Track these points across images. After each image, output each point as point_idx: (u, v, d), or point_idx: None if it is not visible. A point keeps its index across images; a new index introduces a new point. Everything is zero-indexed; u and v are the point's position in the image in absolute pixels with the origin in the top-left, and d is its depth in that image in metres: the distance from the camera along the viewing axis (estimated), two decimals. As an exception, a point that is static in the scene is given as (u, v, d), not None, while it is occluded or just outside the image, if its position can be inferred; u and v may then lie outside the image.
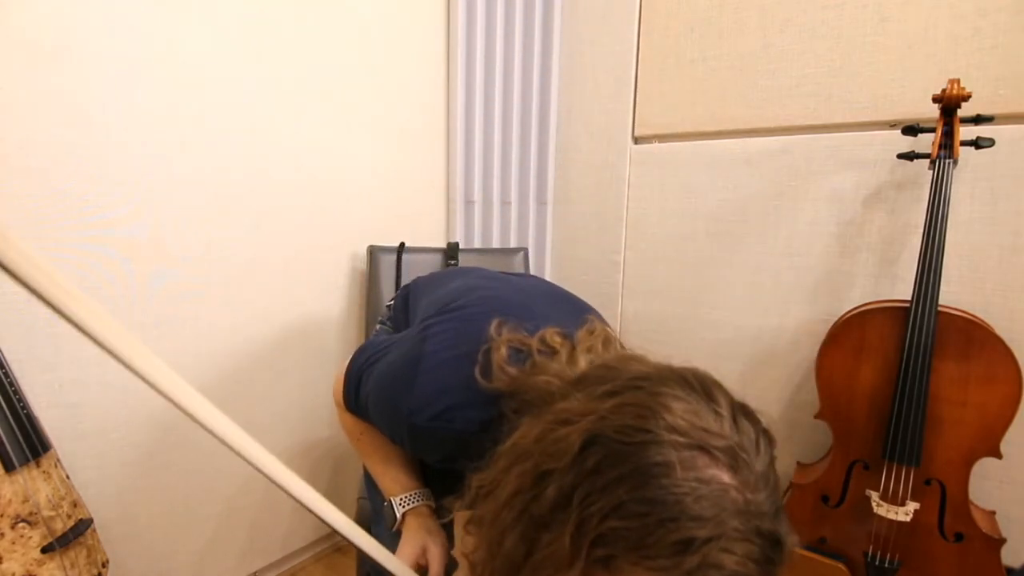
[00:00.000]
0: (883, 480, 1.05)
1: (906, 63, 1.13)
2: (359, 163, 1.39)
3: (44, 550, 0.81)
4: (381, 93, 1.42)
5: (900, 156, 1.11)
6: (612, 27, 1.51)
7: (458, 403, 0.61)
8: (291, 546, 1.42)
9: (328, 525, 0.54)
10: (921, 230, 1.04)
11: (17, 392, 0.82)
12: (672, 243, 1.48)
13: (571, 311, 0.72)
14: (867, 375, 1.07)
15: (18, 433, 0.81)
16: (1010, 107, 1.04)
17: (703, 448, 0.40)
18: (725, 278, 1.41)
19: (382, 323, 1.03)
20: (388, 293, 1.34)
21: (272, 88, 1.20)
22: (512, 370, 0.58)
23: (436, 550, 0.71)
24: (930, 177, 1.03)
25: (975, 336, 0.99)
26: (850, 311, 1.13)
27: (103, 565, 0.92)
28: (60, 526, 0.84)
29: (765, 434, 0.45)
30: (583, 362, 0.57)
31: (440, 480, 0.80)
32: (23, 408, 0.83)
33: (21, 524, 0.80)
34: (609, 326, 0.67)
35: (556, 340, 0.60)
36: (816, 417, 1.14)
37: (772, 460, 0.44)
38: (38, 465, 0.83)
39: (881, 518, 1.05)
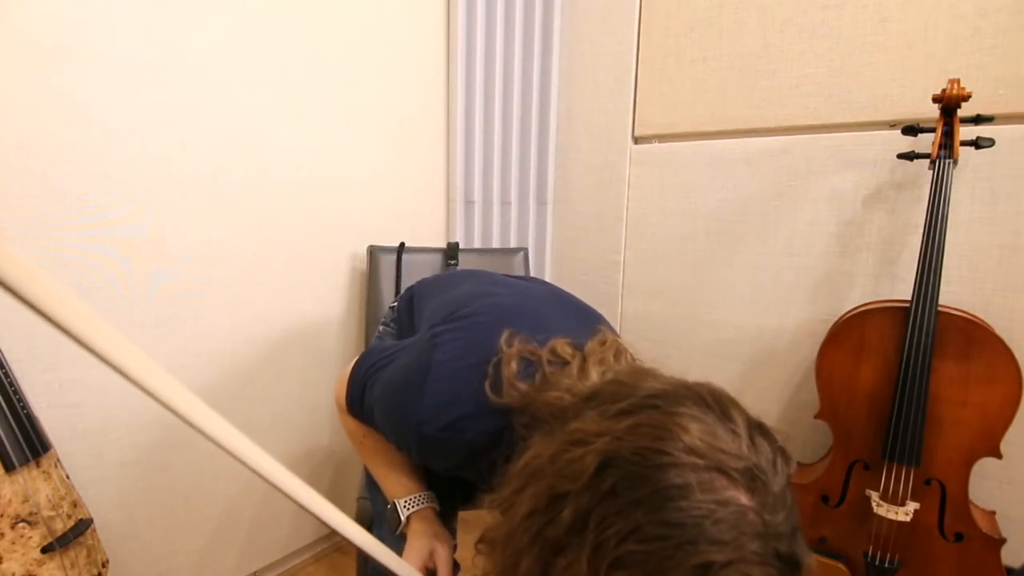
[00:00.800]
0: (883, 480, 1.05)
1: (906, 63, 1.13)
2: (359, 163, 1.39)
3: (44, 550, 0.81)
4: (381, 93, 1.42)
5: (900, 156, 1.11)
6: (612, 27, 1.51)
7: (468, 414, 0.60)
8: (291, 546, 1.42)
9: (333, 529, 0.54)
10: (921, 230, 1.04)
11: (17, 392, 0.82)
12: (672, 243, 1.48)
13: (581, 319, 0.72)
14: (867, 375, 1.07)
15: (18, 433, 0.81)
16: (1010, 107, 1.04)
17: (721, 470, 0.39)
18: (725, 278, 1.41)
19: (385, 324, 1.03)
20: (388, 293, 1.34)
21: (272, 88, 1.20)
22: (523, 386, 0.57)
23: (443, 552, 0.70)
24: (930, 177, 1.03)
25: (975, 336, 0.99)
26: (850, 311, 1.13)
27: (103, 565, 0.92)
28: (60, 526, 0.84)
29: (782, 453, 0.44)
30: (595, 375, 0.57)
31: (446, 486, 0.80)
32: (23, 408, 0.83)
33: (21, 524, 0.79)
34: (618, 336, 0.66)
35: (567, 351, 0.59)
36: (816, 417, 1.14)
37: (789, 479, 0.43)
38: (38, 465, 0.83)
39: (881, 518, 1.05)
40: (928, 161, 1.04)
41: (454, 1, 1.49)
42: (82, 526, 0.87)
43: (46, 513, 0.82)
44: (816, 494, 1.13)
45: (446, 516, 0.81)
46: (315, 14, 1.25)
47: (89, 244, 0.98)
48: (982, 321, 1.02)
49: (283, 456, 1.35)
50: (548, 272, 1.64)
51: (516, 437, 0.53)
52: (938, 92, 1.02)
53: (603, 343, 0.62)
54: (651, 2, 1.44)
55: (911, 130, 1.08)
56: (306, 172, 1.28)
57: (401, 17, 1.43)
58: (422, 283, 0.99)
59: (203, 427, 0.47)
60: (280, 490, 0.51)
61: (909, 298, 1.03)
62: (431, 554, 0.70)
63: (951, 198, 1.07)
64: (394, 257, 1.37)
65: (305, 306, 1.33)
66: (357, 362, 0.76)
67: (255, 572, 1.35)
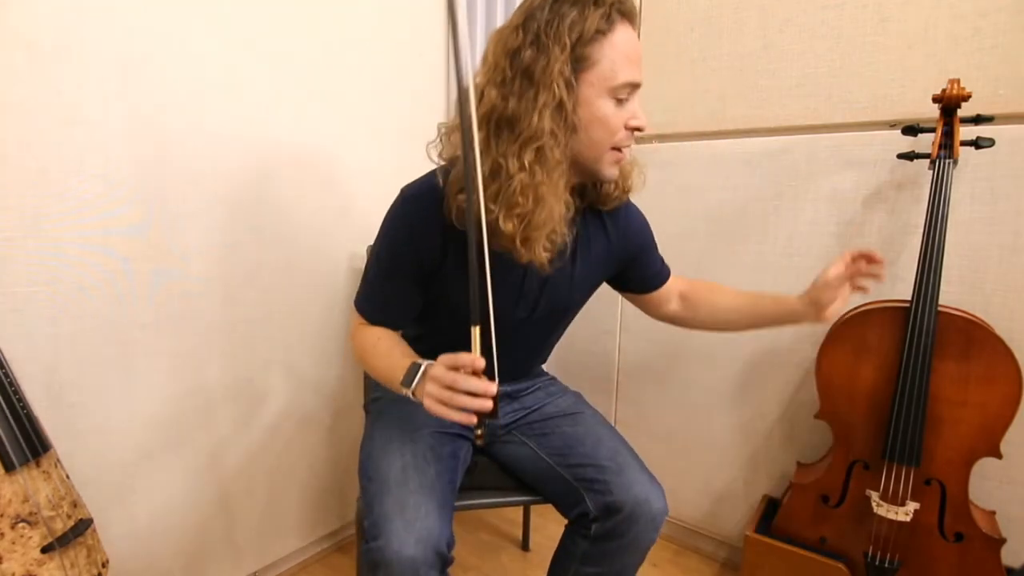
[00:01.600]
0: (883, 480, 1.05)
1: (906, 63, 1.13)
2: (359, 163, 1.39)
3: (44, 550, 0.81)
4: (382, 93, 1.42)
5: (900, 156, 1.11)
6: (612, 27, 1.50)
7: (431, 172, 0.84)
8: (291, 546, 1.42)
9: None
10: (921, 230, 1.04)
11: (17, 392, 0.82)
12: (672, 243, 1.48)
13: None
14: (867, 375, 1.07)
15: (18, 433, 0.81)
16: (1010, 107, 1.04)
17: None
18: (725, 278, 1.40)
19: None
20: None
21: (272, 88, 1.20)
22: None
23: (452, 357, 0.69)
24: (930, 177, 1.03)
25: (975, 336, 0.99)
26: (850, 311, 1.13)
27: (103, 565, 0.92)
28: (60, 526, 0.84)
29: None
30: None
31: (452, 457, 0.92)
32: (23, 408, 0.82)
33: (21, 524, 0.79)
34: None
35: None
36: (816, 417, 1.14)
37: None
38: (38, 465, 0.83)
39: (881, 518, 1.05)
40: (928, 161, 1.04)
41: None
42: (82, 526, 0.87)
43: (46, 513, 0.82)
44: (816, 494, 1.13)
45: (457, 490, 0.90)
46: (315, 15, 1.25)
47: (89, 244, 0.98)
48: (982, 321, 1.02)
49: (282, 456, 1.35)
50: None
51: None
52: (938, 92, 1.02)
53: None
54: (651, 2, 1.44)
55: (911, 130, 1.08)
56: (306, 172, 1.28)
57: (402, 18, 1.43)
58: None
59: None
60: None
61: (909, 298, 1.03)
62: (446, 369, 0.69)
63: (951, 198, 1.07)
64: (394, 257, 1.37)
65: (304, 306, 1.33)
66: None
67: (255, 572, 1.35)
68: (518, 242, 0.76)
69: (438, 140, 0.85)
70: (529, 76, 0.72)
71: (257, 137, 1.19)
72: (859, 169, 1.20)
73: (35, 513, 0.81)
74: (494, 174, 0.74)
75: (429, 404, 0.69)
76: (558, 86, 0.71)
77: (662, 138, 1.47)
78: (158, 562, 1.16)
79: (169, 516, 1.17)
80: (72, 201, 0.95)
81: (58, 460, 0.87)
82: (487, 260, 0.63)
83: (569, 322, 1.05)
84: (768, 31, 1.27)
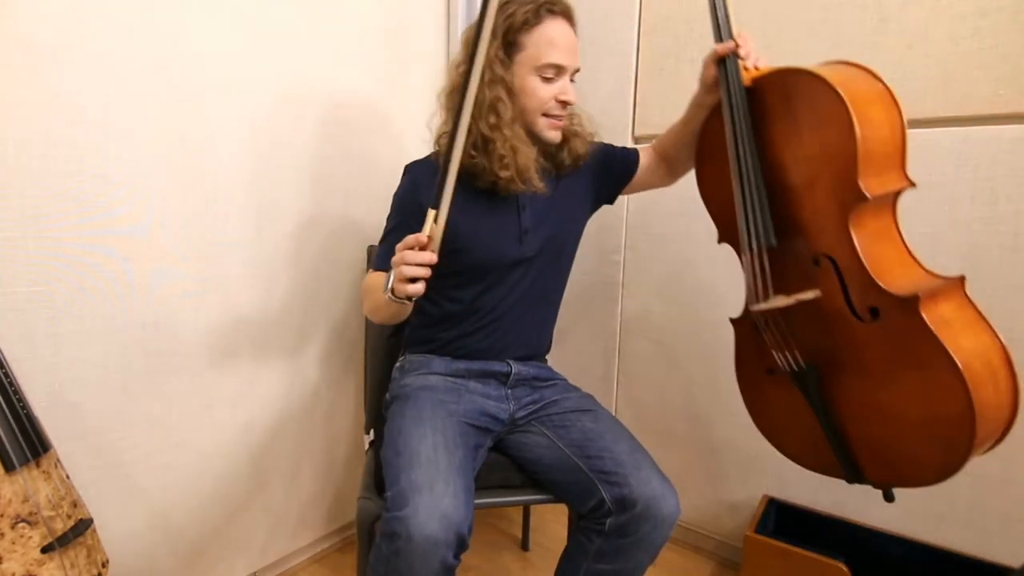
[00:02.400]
0: (757, 273, 0.94)
1: (906, 63, 1.13)
2: (360, 163, 1.39)
3: (44, 550, 0.81)
4: (382, 93, 1.42)
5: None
6: (612, 27, 1.51)
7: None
8: (291, 546, 1.42)
9: None
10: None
11: (17, 392, 0.82)
12: (672, 243, 1.48)
13: None
14: (725, 175, 0.96)
15: (18, 433, 0.81)
16: (1010, 107, 1.04)
17: None
18: (725, 278, 1.40)
19: None
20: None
21: (273, 88, 1.20)
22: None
23: (409, 238, 0.80)
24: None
25: (789, 86, 0.88)
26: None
27: (103, 565, 0.92)
28: (60, 526, 0.84)
29: None
30: None
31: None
32: (23, 408, 0.82)
33: (21, 524, 0.79)
34: None
35: None
36: (719, 242, 1.08)
37: None
38: (38, 465, 0.83)
39: (791, 317, 0.92)
40: None
41: (454, 1, 1.49)
42: (82, 526, 0.87)
43: (46, 513, 0.82)
44: (744, 327, 1.03)
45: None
46: (316, 16, 1.25)
47: (89, 244, 0.98)
48: (791, 68, 0.89)
49: (283, 456, 1.35)
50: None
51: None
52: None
53: None
54: (651, 2, 1.44)
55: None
56: (306, 172, 1.28)
57: (402, 18, 1.43)
58: None
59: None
60: None
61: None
62: (399, 251, 0.80)
63: (951, 198, 1.07)
64: (394, 257, 1.38)
65: (304, 306, 1.33)
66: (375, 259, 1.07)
67: (255, 572, 1.35)
68: (519, 182, 0.97)
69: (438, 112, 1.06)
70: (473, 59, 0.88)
71: (258, 137, 1.19)
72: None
73: (35, 513, 0.81)
74: (483, 144, 0.97)
75: (395, 286, 0.80)
76: (494, 66, 0.95)
77: (662, 138, 1.47)
78: (158, 562, 1.16)
79: (169, 516, 1.17)
80: (72, 201, 0.95)
81: (58, 460, 0.87)
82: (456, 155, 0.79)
83: (566, 270, 1.15)
84: (768, 31, 1.27)
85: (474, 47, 0.78)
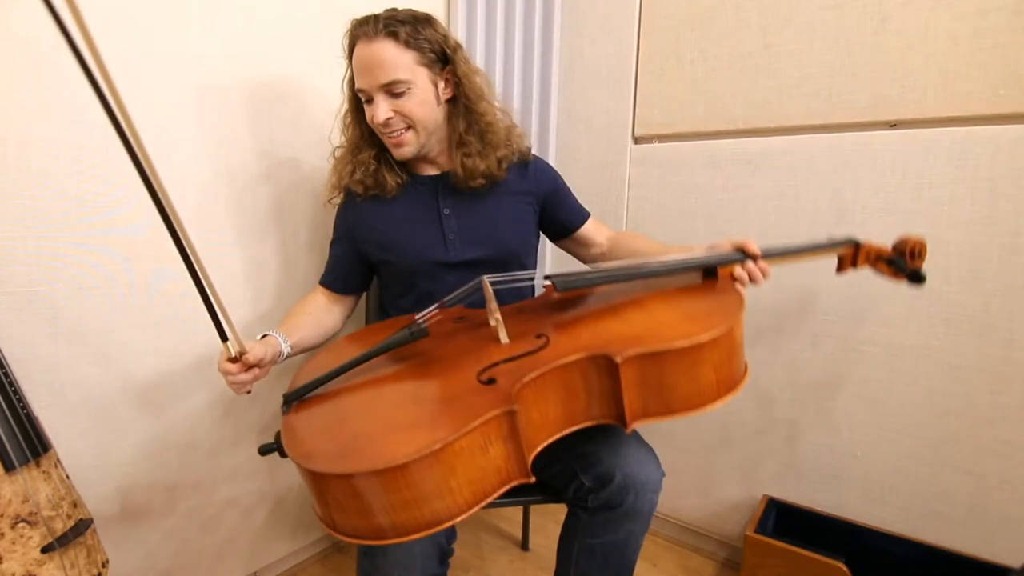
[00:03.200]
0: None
1: (906, 63, 1.13)
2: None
3: (44, 550, 0.81)
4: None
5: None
6: (612, 27, 1.51)
7: None
8: (291, 546, 1.42)
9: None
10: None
11: (17, 392, 0.82)
12: (672, 243, 1.48)
13: None
14: None
15: (18, 433, 0.81)
16: (1010, 107, 1.04)
17: None
18: (725, 278, 1.40)
19: None
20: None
21: (272, 88, 1.20)
22: None
23: (258, 349, 0.85)
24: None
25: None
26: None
27: (103, 565, 0.92)
28: (60, 526, 0.84)
29: None
30: None
31: None
32: (23, 408, 0.82)
33: (21, 524, 0.79)
34: None
35: None
36: None
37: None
38: (38, 465, 0.83)
39: None
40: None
41: (454, 1, 1.49)
42: (82, 526, 0.87)
43: (46, 513, 0.82)
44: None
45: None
46: (314, 16, 1.25)
47: (89, 244, 0.98)
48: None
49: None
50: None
51: None
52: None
53: None
54: (651, 2, 1.44)
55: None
56: (306, 173, 1.28)
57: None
58: None
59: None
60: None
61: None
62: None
63: (950, 198, 1.07)
64: (394, 257, 1.38)
65: (305, 306, 1.33)
66: None
67: (255, 572, 1.35)
68: (375, 189, 1.06)
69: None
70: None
71: (258, 137, 1.19)
72: (859, 169, 1.20)
73: (35, 513, 0.81)
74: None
75: (232, 389, 0.87)
76: (349, 89, 1.03)
77: (662, 138, 1.47)
78: (158, 562, 1.16)
79: (169, 516, 1.17)
80: (72, 201, 0.95)
81: (58, 460, 0.87)
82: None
83: (531, 271, 1.11)
84: (768, 31, 1.27)
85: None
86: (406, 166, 1.08)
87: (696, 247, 0.96)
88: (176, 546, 1.19)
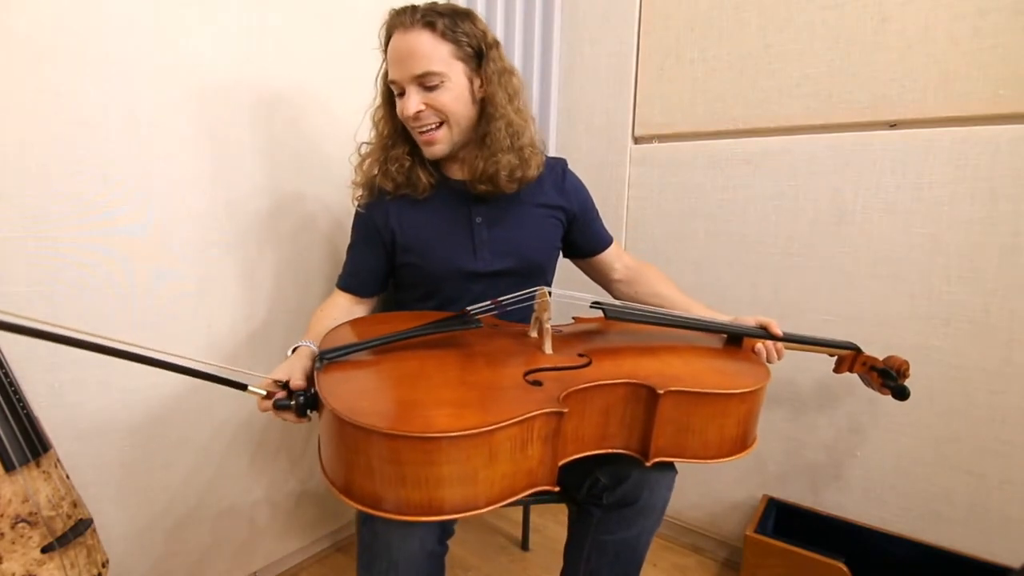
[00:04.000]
0: None
1: (906, 63, 1.13)
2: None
3: (44, 550, 0.81)
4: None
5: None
6: (612, 27, 1.51)
7: None
8: (291, 546, 1.42)
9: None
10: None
11: (17, 392, 0.82)
12: (672, 243, 1.48)
13: None
14: None
15: (18, 433, 0.81)
16: (1010, 107, 1.04)
17: None
18: (725, 278, 1.41)
19: None
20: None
21: (272, 89, 1.20)
22: None
23: (298, 372, 0.79)
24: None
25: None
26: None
27: (103, 565, 0.92)
28: (60, 526, 0.84)
29: None
30: None
31: None
32: (23, 408, 0.82)
33: (21, 524, 0.79)
34: None
35: None
36: None
37: None
38: (38, 465, 0.83)
39: None
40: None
41: (454, 1, 1.49)
42: (82, 526, 0.87)
43: (46, 513, 0.82)
44: None
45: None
46: (314, 19, 1.25)
47: (89, 244, 0.98)
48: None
49: (283, 455, 1.35)
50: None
51: None
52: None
53: None
54: (651, 2, 1.44)
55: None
56: (306, 173, 1.28)
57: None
58: None
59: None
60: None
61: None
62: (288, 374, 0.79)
63: (950, 198, 1.07)
64: (394, 257, 1.38)
65: (305, 307, 1.33)
66: None
67: (255, 572, 1.35)
68: (405, 188, 1.02)
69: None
70: None
71: (257, 137, 1.19)
72: (859, 169, 1.20)
73: (35, 513, 0.81)
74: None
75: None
76: (383, 83, 1.00)
77: (662, 138, 1.47)
78: (158, 562, 1.16)
79: (169, 516, 1.17)
80: (72, 201, 0.95)
81: (58, 460, 0.87)
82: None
83: (547, 284, 1.10)
84: (768, 31, 1.27)
85: None
86: (437, 165, 1.04)
87: (719, 314, 1.03)
88: (176, 546, 1.18)
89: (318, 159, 1.30)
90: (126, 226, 1.02)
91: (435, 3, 0.94)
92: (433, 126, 0.95)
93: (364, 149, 1.06)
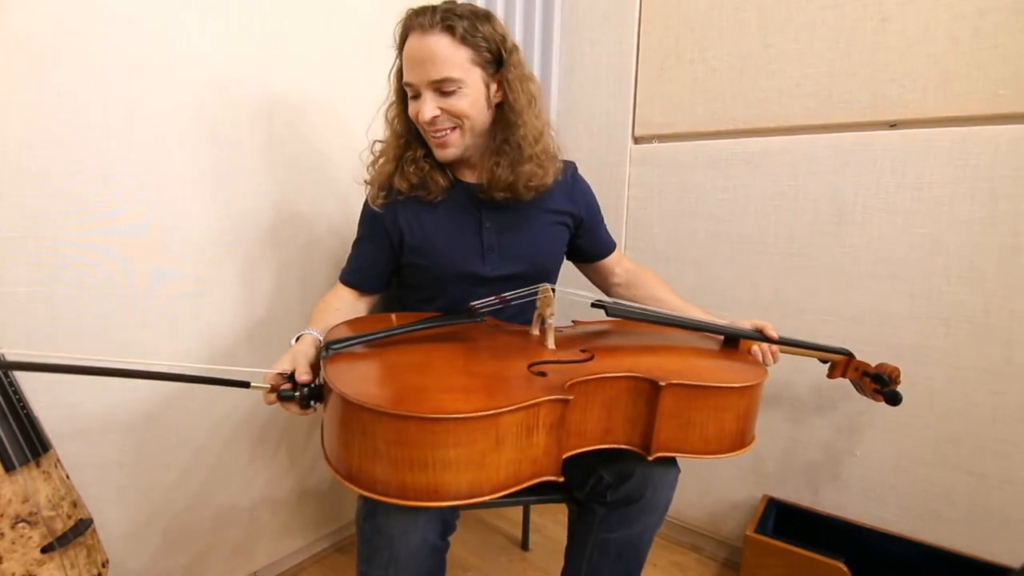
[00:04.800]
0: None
1: (906, 63, 1.13)
2: (360, 165, 1.39)
3: (44, 550, 0.81)
4: (382, 93, 1.41)
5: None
6: (612, 27, 1.51)
7: None
8: (291, 546, 1.42)
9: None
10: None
11: (17, 392, 0.82)
12: (672, 243, 1.48)
13: None
14: None
15: (18, 433, 0.81)
16: (1010, 107, 1.04)
17: None
18: (725, 278, 1.41)
19: None
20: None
21: (272, 89, 1.20)
22: None
23: (301, 361, 0.82)
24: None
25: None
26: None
27: (103, 565, 0.92)
28: (60, 526, 0.84)
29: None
30: None
31: None
32: (23, 408, 0.82)
33: (21, 524, 0.79)
34: None
35: None
36: None
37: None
38: (38, 465, 0.83)
39: None
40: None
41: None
42: (82, 526, 0.87)
43: (46, 513, 0.82)
44: None
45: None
46: (314, 19, 1.25)
47: (89, 244, 0.98)
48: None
49: (282, 455, 1.35)
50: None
51: None
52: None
53: None
54: (651, 2, 1.44)
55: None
56: (306, 173, 1.28)
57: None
58: None
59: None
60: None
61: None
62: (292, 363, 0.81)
63: (951, 198, 1.07)
64: (394, 257, 1.38)
65: (305, 307, 1.33)
66: None
67: (255, 572, 1.35)
68: (419, 190, 1.02)
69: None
70: None
71: (257, 137, 1.19)
72: (859, 169, 1.20)
73: (35, 513, 0.81)
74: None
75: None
76: (396, 81, 0.99)
77: (662, 138, 1.47)
78: (158, 562, 1.16)
79: (169, 516, 1.16)
80: (72, 201, 0.95)
81: (58, 460, 0.87)
82: None
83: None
84: (768, 31, 1.27)
85: None
86: (448, 168, 1.03)
87: (715, 317, 1.03)
88: (176, 546, 1.18)
89: (318, 159, 1.30)
90: (126, 226, 1.02)
91: (454, 4, 0.92)
92: (447, 130, 0.95)
93: (378, 147, 1.05)
